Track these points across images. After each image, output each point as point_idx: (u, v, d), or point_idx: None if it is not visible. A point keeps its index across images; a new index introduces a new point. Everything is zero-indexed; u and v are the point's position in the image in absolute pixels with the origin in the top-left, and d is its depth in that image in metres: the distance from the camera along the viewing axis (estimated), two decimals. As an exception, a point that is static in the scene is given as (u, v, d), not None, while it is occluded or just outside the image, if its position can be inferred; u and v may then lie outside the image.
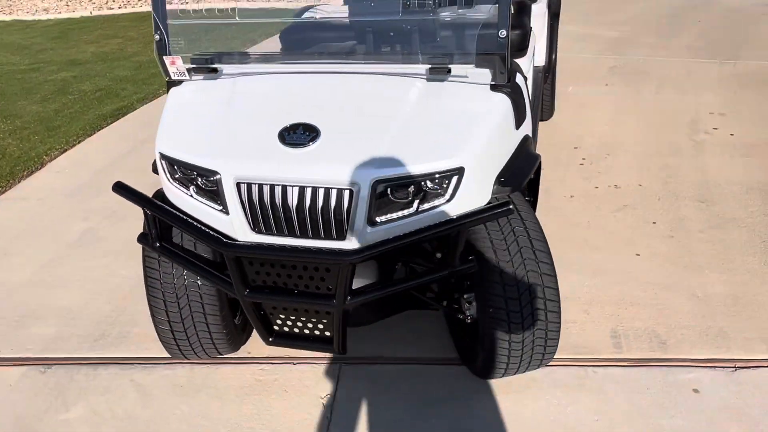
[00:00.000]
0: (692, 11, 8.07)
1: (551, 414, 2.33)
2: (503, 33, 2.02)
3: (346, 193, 1.96)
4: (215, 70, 2.35)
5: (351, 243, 2.01)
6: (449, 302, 2.35)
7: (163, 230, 2.23)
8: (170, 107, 2.37)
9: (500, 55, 2.05)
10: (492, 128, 2.08)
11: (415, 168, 1.95)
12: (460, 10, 2.53)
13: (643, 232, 3.43)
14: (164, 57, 2.35)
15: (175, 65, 2.37)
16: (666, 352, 2.59)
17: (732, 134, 4.49)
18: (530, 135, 2.47)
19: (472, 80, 2.16)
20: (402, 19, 2.30)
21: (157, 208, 2.17)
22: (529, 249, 2.11)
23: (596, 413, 2.32)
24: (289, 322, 2.19)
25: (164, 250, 2.22)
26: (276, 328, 2.22)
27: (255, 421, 2.37)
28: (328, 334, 2.17)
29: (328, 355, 2.62)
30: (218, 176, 2.06)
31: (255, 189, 2.03)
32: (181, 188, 2.20)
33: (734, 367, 2.50)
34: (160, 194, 2.33)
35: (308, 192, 1.99)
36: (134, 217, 3.88)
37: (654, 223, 3.50)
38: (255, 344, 2.67)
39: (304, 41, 2.50)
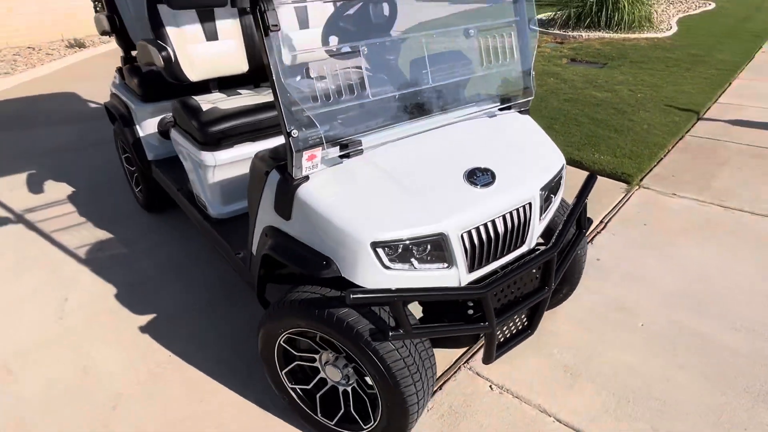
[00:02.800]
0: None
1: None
2: (532, 72, 2.82)
3: (527, 206, 2.49)
4: (361, 152, 2.29)
5: (531, 243, 2.54)
6: None
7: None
8: (327, 203, 2.21)
9: (532, 87, 2.86)
10: None
11: (553, 172, 2.58)
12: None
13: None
14: (302, 153, 2.13)
15: (314, 159, 2.17)
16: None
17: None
18: None
19: (513, 109, 2.86)
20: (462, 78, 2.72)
21: (413, 291, 2.14)
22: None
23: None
24: (506, 330, 2.53)
25: (421, 328, 2.20)
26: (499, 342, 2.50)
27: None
28: (526, 323, 2.62)
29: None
30: (443, 236, 2.23)
31: (474, 233, 2.31)
32: (403, 266, 2.21)
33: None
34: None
35: (508, 216, 2.41)
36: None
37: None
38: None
39: (396, 107, 2.54)
